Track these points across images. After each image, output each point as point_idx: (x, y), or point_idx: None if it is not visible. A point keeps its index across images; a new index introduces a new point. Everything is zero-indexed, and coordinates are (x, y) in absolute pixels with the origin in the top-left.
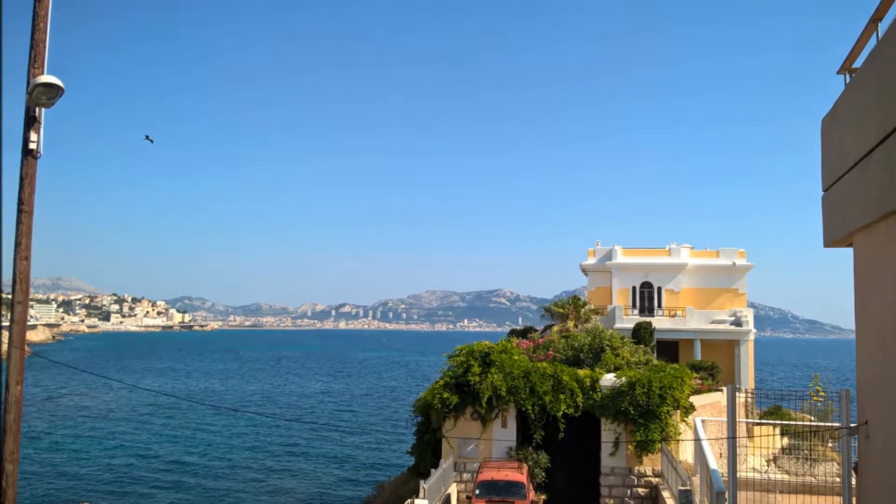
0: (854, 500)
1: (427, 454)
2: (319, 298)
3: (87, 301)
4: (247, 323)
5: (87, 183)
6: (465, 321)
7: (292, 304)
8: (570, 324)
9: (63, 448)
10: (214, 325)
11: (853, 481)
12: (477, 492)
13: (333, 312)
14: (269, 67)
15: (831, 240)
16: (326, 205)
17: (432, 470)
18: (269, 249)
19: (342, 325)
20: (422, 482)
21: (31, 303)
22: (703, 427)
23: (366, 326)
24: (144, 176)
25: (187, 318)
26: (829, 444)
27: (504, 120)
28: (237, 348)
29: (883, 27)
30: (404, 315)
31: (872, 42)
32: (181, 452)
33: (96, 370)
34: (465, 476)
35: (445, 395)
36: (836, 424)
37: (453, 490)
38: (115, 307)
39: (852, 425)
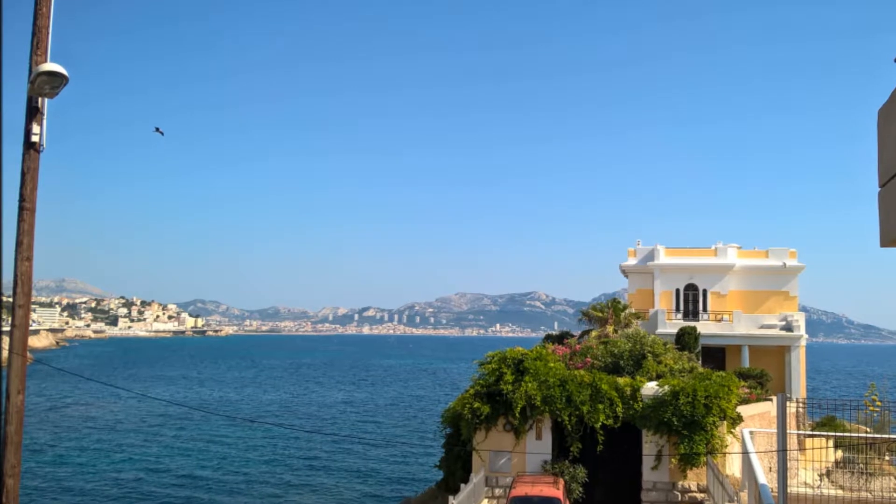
0: None
1: (456, 468)
2: (342, 302)
3: (93, 304)
4: (264, 328)
5: (92, 179)
6: (498, 326)
7: (312, 307)
8: (610, 329)
9: (67, 461)
10: (229, 329)
11: None
12: None
13: (357, 317)
14: (285, 57)
15: (888, 239)
16: (348, 203)
17: (462, 485)
18: (288, 250)
19: (366, 329)
20: (451, 498)
21: (33, 306)
22: (751, 439)
23: (391, 331)
24: (154, 172)
25: (200, 322)
26: (887, 458)
27: (536, 113)
28: (253, 355)
29: None
30: (432, 319)
31: None
32: (193, 466)
33: (103, 378)
34: (498, 491)
35: (476, 404)
36: (894, 436)
37: None
38: (123, 311)
39: None
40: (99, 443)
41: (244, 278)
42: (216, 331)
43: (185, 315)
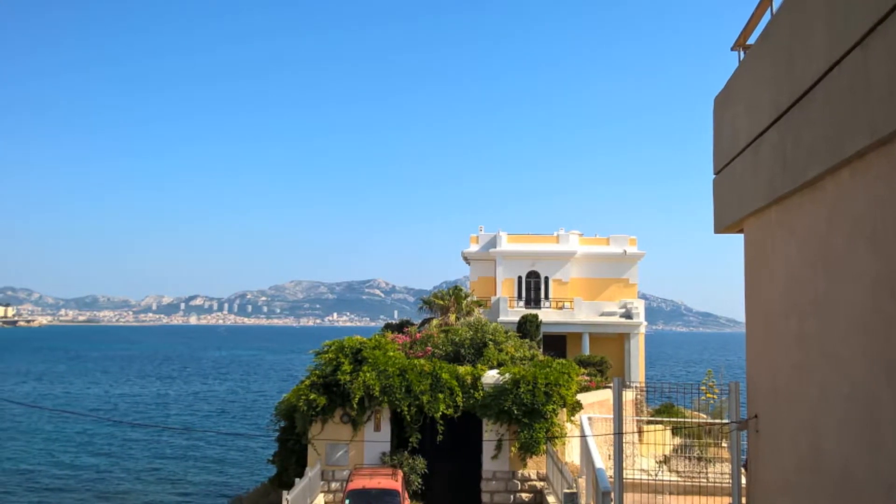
0: (744, 500)
1: (291, 462)
2: (166, 290)
3: None
4: (81, 318)
5: None
6: (335, 315)
7: (134, 296)
8: (452, 317)
9: None
10: (43, 320)
11: (743, 479)
12: (347, 502)
13: (183, 306)
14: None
15: (722, 226)
16: (172, 186)
17: (297, 479)
18: (107, 232)
19: (193, 320)
20: (285, 493)
21: None
22: (589, 425)
23: (221, 321)
24: None
25: (10, 312)
26: (724, 445)
27: (377, 92)
28: (75, 347)
29: (777, 2)
30: (265, 308)
31: (767, 17)
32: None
33: None
34: (334, 485)
35: (312, 395)
36: (727, 422)
37: (320, 501)
38: None
39: (742, 420)
40: None
41: (59, 264)
42: (28, 321)
43: None
